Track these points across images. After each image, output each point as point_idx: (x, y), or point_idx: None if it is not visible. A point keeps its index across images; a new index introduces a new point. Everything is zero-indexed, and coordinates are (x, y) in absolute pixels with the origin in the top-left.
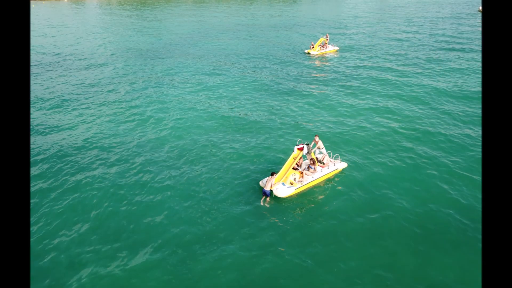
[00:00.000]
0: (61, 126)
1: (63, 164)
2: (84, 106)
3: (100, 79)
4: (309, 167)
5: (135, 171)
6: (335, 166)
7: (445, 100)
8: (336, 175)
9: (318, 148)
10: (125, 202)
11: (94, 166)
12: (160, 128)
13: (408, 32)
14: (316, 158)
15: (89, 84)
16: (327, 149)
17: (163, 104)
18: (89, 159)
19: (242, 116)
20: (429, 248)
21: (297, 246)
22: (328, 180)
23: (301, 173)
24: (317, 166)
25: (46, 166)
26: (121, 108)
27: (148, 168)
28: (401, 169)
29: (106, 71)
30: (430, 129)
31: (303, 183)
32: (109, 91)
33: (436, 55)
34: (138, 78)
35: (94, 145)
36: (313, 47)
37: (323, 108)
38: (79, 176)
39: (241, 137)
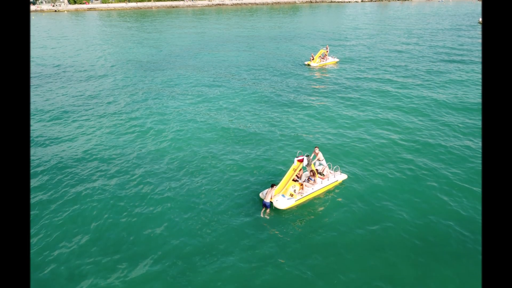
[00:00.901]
0: (61, 137)
1: (63, 175)
2: (84, 117)
3: (100, 90)
4: (309, 179)
5: (135, 182)
6: (335, 177)
7: (445, 112)
8: (336, 187)
9: (318, 159)
10: (125, 213)
11: (94, 177)
12: (160, 139)
13: (408, 44)
14: (316, 169)
15: (89, 95)
16: (327, 161)
17: (163, 116)
18: (89, 171)
19: (242, 128)
20: (429, 260)
21: (297, 258)
22: (328, 191)
23: (301, 184)
24: (317, 177)
25: (46, 177)
26: (121, 119)
27: (148, 179)
28: (401, 180)
29: (106, 82)
30: (430, 140)
31: (303, 195)
32: (109, 102)
33: (436, 66)
34: (138, 89)
35: (94, 156)
36: (313, 59)
37: (323, 119)
38: (79, 188)
39: (241, 148)
